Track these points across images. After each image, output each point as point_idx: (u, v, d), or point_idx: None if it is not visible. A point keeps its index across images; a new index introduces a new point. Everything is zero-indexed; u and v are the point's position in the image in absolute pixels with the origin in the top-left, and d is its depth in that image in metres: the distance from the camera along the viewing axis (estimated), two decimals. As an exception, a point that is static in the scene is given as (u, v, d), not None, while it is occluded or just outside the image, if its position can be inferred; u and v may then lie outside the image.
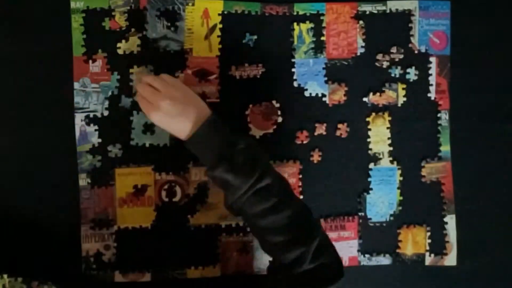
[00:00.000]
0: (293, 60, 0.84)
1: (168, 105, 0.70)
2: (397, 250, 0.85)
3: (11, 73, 0.79)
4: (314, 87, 0.84)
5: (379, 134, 0.85)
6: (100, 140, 0.80)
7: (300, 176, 0.84)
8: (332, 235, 0.84)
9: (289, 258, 0.67)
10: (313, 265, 0.67)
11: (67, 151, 0.79)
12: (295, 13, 0.83)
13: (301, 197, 0.83)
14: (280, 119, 0.83)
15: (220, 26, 0.82)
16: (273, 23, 0.83)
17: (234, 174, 0.68)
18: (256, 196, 0.68)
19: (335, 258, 0.71)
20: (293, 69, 0.84)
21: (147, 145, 0.81)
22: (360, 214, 0.85)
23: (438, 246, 0.86)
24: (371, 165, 0.85)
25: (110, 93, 0.80)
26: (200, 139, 0.70)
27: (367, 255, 0.85)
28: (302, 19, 0.84)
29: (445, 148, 0.86)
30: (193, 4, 0.81)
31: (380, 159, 0.85)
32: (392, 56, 0.85)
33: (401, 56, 0.85)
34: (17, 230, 0.78)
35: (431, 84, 0.86)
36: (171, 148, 0.81)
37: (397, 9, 0.85)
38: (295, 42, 0.84)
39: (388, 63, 0.85)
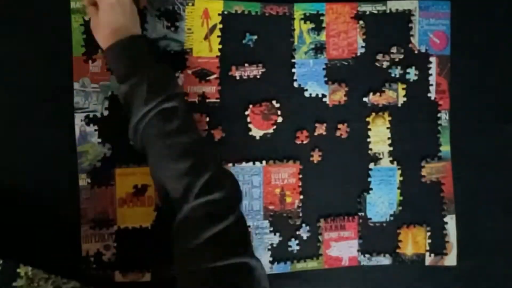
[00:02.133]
0: (293, 60, 0.84)
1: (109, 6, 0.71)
2: (397, 250, 0.85)
3: (11, 73, 0.79)
4: (314, 88, 0.84)
5: (379, 134, 0.85)
6: (100, 140, 0.80)
7: (300, 176, 0.84)
8: (332, 235, 0.84)
9: (177, 191, 0.65)
10: (200, 200, 0.64)
11: (67, 151, 0.79)
12: (295, 13, 0.83)
13: (301, 197, 0.83)
14: (280, 119, 0.83)
15: (220, 26, 0.82)
16: (273, 23, 0.83)
17: (145, 88, 0.67)
18: (159, 116, 0.67)
19: (229, 195, 0.66)
20: (293, 70, 0.84)
21: (147, 145, 0.81)
22: (360, 214, 0.85)
23: (438, 246, 0.86)
24: (371, 165, 0.85)
25: (110, 93, 0.80)
26: (119, 50, 0.70)
27: (367, 255, 0.85)
28: (302, 19, 0.84)
29: (445, 148, 0.86)
30: (193, 4, 0.82)
31: (380, 159, 0.85)
32: (392, 56, 0.85)
33: (401, 56, 0.85)
34: (17, 229, 0.78)
35: (431, 84, 0.86)
36: (171, 148, 0.81)
37: (397, 9, 0.85)
38: (296, 43, 0.84)
39: (388, 63, 0.85)
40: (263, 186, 0.83)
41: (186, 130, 0.68)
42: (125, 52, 0.71)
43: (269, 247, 0.83)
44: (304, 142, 0.84)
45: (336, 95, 0.84)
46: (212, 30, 0.82)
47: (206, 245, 0.62)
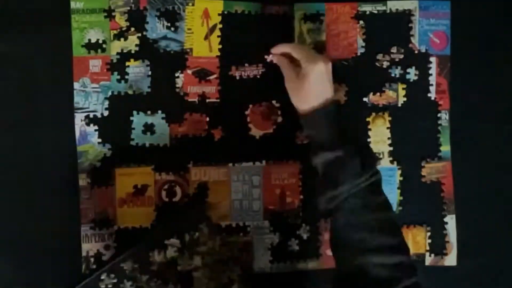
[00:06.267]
0: (293, 60, 0.84)
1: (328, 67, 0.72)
2: (397, 250, 0.85)
3: (11, 73, 0.79)
4: (314, 87, 0.84)
5: (379, 134, 0.85)
6: (100, 140, 0.80)
7: (300, 176, 0.84)
8: (332, 235, 0.84)
9: (384, 266, 0.64)
10: (414, 279, 0.65)
11: (67, 151, 0.79)
12: (295, 13, 0.83)
13: (301, 197, 0.83)
14: (280, 119, 0.83)
15: (220, 26, 0.82)
16: (273, 23, 0.83)
17: (359, 161, 0.68)
18: (370, 188, 0.68)
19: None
20: (293, 69, 0.84)
21: (147, 145, 0.81)
22: (360, 214, 0.85)
23: (438, 246, 0.85)
24: (371, 165, 0.85)
25: (110, 93, 0.80)
26: (324, 116, 0.71)
27: (367, 255, 0.85)
28: (302, 19, 0.84)
29: (445, 148, 0.86)
30: (193, 4, 0.82)
31: (380, 159, 0.85)
32: (392, 56, 0.85)
33: (401, 56, 0.85)
34: (17, 229, 0.78)
35: (431, 84, 0.86)
36: (171, 147, 0.81)
37: (397, 9, 0.85)
38: (296, 42, 0.84)
39: (388, 63, 0.85)
40: (263, 186, 0.83)
41: (390, 206, 0.70)
42: (330, 119, 0.71)
43: (269, 247, 0.83)
44: (304, 142, 0.84)
45: (336, 95, 0.84)
46: (212, 30, 0.82)
47: None
